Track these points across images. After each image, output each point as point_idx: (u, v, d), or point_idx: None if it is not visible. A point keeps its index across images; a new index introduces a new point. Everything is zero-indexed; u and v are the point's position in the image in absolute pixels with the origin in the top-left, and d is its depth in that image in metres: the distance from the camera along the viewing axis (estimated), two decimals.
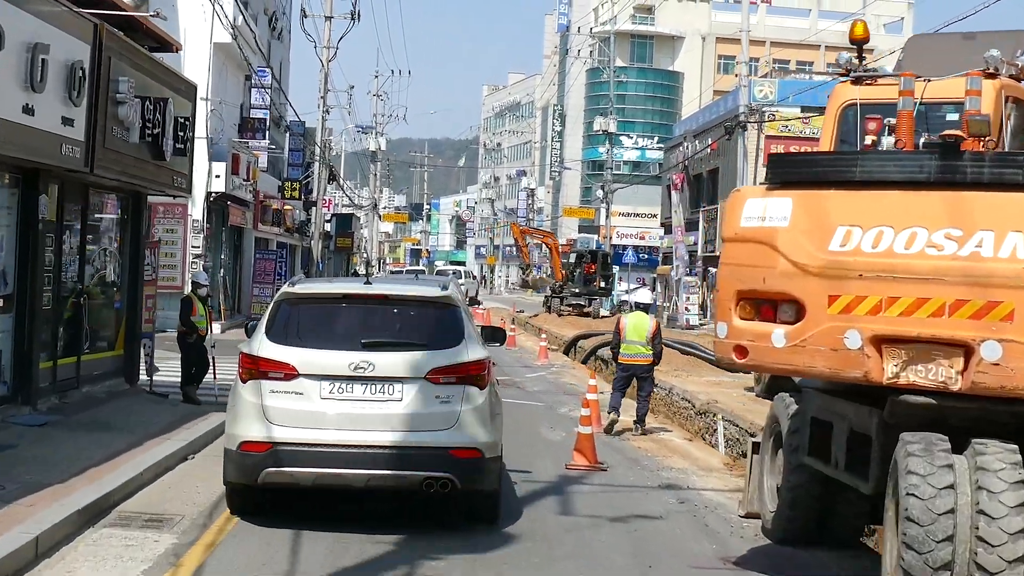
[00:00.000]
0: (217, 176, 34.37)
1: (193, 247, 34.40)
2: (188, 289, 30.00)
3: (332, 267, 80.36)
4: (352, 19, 55.08)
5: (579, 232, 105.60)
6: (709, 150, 61.84)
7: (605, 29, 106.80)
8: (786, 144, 57.41)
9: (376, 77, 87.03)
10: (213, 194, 34.71)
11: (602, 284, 65.05)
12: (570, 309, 59.47)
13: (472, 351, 11.67)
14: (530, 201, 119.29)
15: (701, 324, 57.51)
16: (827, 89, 51.23)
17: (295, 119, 63.41)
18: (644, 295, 20.76)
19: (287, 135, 62.60)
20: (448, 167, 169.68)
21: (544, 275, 58.97)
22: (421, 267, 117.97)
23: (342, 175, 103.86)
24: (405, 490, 11.71)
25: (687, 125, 70.95)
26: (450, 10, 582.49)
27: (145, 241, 20.50)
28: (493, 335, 14.39)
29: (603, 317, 58.70)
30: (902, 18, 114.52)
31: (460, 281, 79.98)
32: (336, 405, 11.26)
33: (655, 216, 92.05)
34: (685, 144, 67.03)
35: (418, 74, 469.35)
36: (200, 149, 34.10)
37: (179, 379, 20.49)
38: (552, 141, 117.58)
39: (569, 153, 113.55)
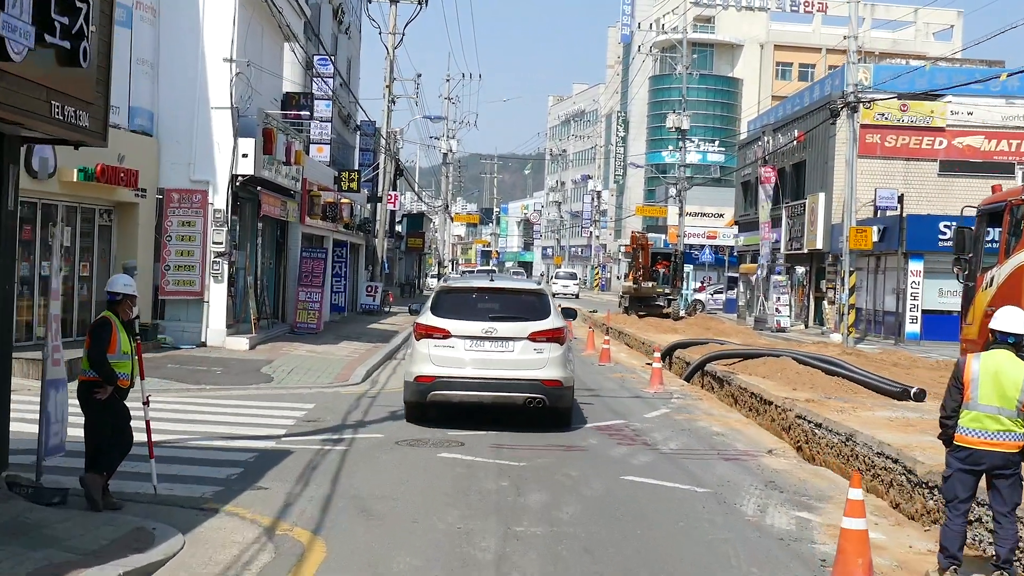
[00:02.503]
0: (244, 155, 24.08)
1: (215, 243, 24.15)
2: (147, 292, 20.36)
3: (403, 268, 70.05)
4: (419, 3, 45.14)
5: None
6: (795, 142, 50.99)
7: (670, 38, 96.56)
8: (883, 133, 46.56)
9: (447, 80, 76.51)
10: (240, 178, 24.41)
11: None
12: (648, 310, 48.61)
13: (555, 321, 15.82)
14: (596, 203, 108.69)
15: (792, 327, 46.98)
16: (924, 75, 39.76)
17: (366, 119, 53.74)
18: (1015, 319, 9.13)
19: (357, 135, 52.72)
20: (517, 163, 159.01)
21: (653, 283, 48.09)
22: (492, 267, 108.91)
23: (416, 182, 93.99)
24: (514, 406, 15.49)
25: (765, 120, 59.94)
26: (515, 27, 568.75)
27: (12, 217, 10.08)
28: (567, 312, 17.77)
29: (682, 318, 47.94)
30: (952, 26, 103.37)
31: (576, 281, 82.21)
32: (473, 355, 15.34)
33: (722, 215, 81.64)
34: (765, 138, 56.12)
35: (485, 88, 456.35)
36: (223, 121, 23.92)
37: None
38: (616, 146, 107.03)
39: (632, 158, 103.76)
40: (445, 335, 15.35)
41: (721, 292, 65.68)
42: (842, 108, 37.85)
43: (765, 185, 49.88)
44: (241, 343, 24.16)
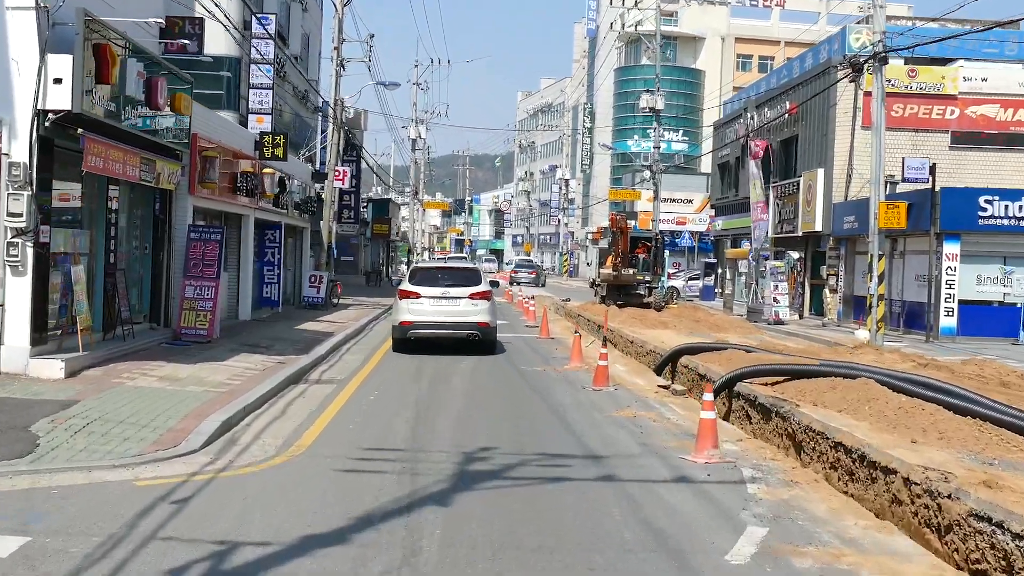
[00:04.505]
0: (57, 81, 13.66)
1: (12, 216, 13.73)
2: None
3: (369, 255, 59.62)
4: None
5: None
6: (786, 115, 40.96)
7: (636, 30, 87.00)
8: (888, 102, 36.45)
9: (416, 66, 66.01)
10: (51, 115, 13.96)
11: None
12: (626, 299, 38.47)
13: (485, 287, 21.11)
14: (564, 191, 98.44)
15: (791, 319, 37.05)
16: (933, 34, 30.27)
17: (328, 101, 43.39)
18: None
19: (319, 117, 42.29)
20: (489, 161, 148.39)
21: (633, 270, 37.55)
22: (464, 254, 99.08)
23: (391, 176, 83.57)
24: (461, 338, 20.62)
25: (745, 95, 49.85)
26: (484, 25, 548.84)
27: None
28: (492, 283, 23.99)
29: (663, 308, 37.90)
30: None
31: (545, 268, 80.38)
32: (435, 307, 20.48)
33: (691, 201, 71.69)
34: (748, 114, 46.05)
35: (455, 84, 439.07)
36: (24, 28, 13.52)
37: None
38: (583, 136, 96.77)
39: (598, 148, 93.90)
40: (417, 296, 20.64)
41: (697, 278, 55.55)
42: (867, 62, 27.73)
43: (755, 160, 39.81)
44: (52, 368, 13.76)
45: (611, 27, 72.83)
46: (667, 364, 21.28)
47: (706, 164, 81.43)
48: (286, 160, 25.04)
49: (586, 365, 19.09)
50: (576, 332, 21.02)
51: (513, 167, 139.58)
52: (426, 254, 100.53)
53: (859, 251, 35.58)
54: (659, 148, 57.34)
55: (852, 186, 36.21)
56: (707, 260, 54.89)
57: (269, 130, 32.93)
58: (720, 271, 52.90)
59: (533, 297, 34.12)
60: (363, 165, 53.48)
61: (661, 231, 49.86)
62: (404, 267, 72.33)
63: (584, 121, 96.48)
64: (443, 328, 20.50)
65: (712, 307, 42.96)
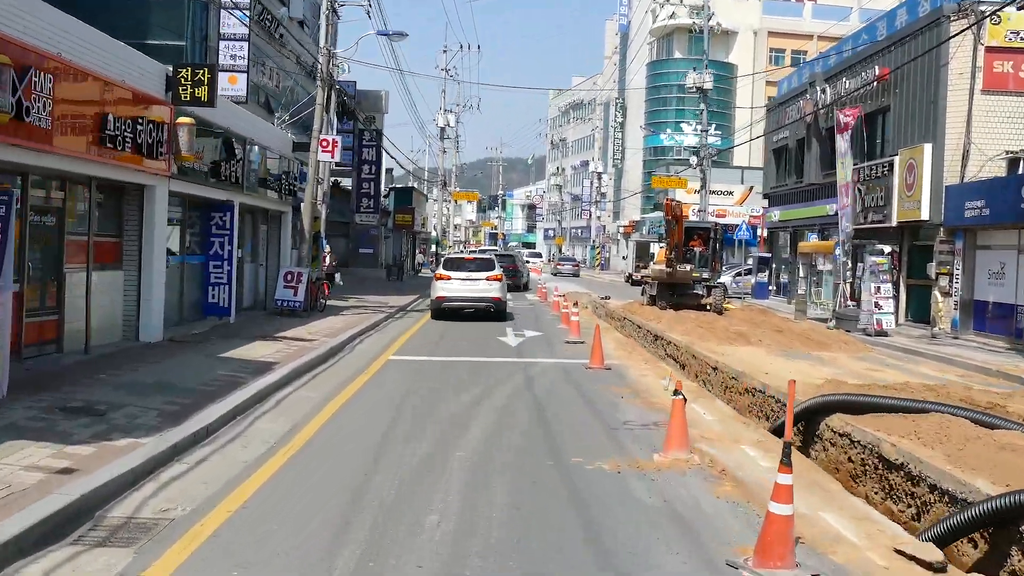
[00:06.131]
0: None
1: None
2: None
3: (390, 248, 49.30)
4: None
5: (642, 214, 75.73)
6: (875, 83, 30.35)
7: (667, 24, 76.89)
8: (1017, 60, 26.00)
9: (445, 51, 55.75)
10: None
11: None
12: (681, 300, 28.09)
13: (497, 271, 24.46)
14: (597, 184, 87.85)
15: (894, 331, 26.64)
16: None
17: (345, 80, 33.64)
18: None
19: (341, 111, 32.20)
20: (522, 163, 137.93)
21: (691, 266, 27.40)
22: (496, 247, 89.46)
23: (432, 177, 73.49)
24: (480, 309, 23.92)
25: (810, 69, 39.05)
26: (515, 29, 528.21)
27: None
28: (509, 271, 31.31)
29: (725, 311, 27.59)
30: None
31: (541, 259, 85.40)
32: (461, 286, 23.76)
33: (731, 193, 61.13)
34: (816, 88, 35.44)
35: (486, 88, 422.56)
36: None
37: None
38: (615, 131, 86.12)
39: (630, 143, 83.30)
40: (448, 279, 23.94)
41: (748, 274, 44.90)
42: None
43: (843, 134, 29.22)
44: None
45: (653, 10, 62.07)
46: (804, 422, 11.04)
47: (739, 157, 70.97)
48: (213, 105, 14.82)
49: (696, 454, 8.84)
50: (678, 393, 9.53)
51: (545, 164, 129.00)
52: (459, 246, 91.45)
53: (981, 244, 25.07)
54: (707, 131, 46.88)
55: (970, 164, 25.68)
56: (761, 254, 44.20)
57: (242, 92, 23.00)
58: (775, 266, 42.39)
59: (576, 303, 23.82)
60: (395, 163, 43.69)
61: (716, 222, 39.06)
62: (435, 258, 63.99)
63: (616, 116, 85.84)
64: (467, 301, 23.89)
65: (771, 307, 32.53)
